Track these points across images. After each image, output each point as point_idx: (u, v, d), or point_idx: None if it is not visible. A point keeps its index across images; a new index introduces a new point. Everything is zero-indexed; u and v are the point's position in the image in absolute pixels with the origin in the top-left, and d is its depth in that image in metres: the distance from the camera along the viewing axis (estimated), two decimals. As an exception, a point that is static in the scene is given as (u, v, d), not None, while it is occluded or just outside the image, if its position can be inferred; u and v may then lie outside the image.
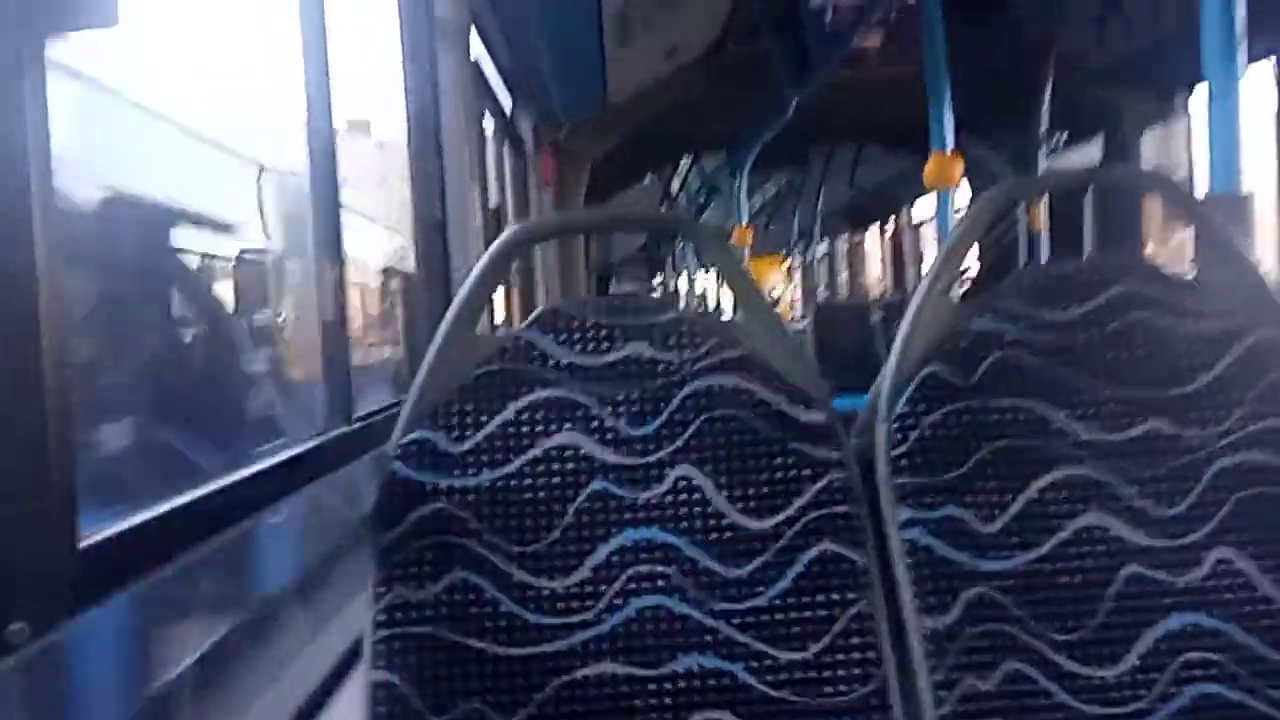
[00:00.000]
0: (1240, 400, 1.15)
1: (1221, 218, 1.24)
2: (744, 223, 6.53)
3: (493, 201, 3.03)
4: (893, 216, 9.27)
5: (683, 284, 14.98)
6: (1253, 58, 1.85)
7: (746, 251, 7.30)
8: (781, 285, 6.93)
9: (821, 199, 8.32)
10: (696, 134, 5.83)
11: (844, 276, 11.69)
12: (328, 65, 1.57)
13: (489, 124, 3.32)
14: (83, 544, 0.81)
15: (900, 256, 9.06)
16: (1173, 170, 3.97)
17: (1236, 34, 1.79)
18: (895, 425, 1.16)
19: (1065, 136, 4.33)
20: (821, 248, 10.96)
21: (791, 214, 9.60)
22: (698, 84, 4.65)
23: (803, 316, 6.86)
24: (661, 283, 15.09)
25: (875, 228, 10.49)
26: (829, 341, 5.87)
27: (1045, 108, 4.27)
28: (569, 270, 4.69)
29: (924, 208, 8.27)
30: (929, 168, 3.64)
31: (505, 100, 3.67)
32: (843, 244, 11.26)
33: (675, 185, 7.66)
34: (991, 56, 4.21)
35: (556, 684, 1.08)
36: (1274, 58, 3.02)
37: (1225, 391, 1.16)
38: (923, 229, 8.71)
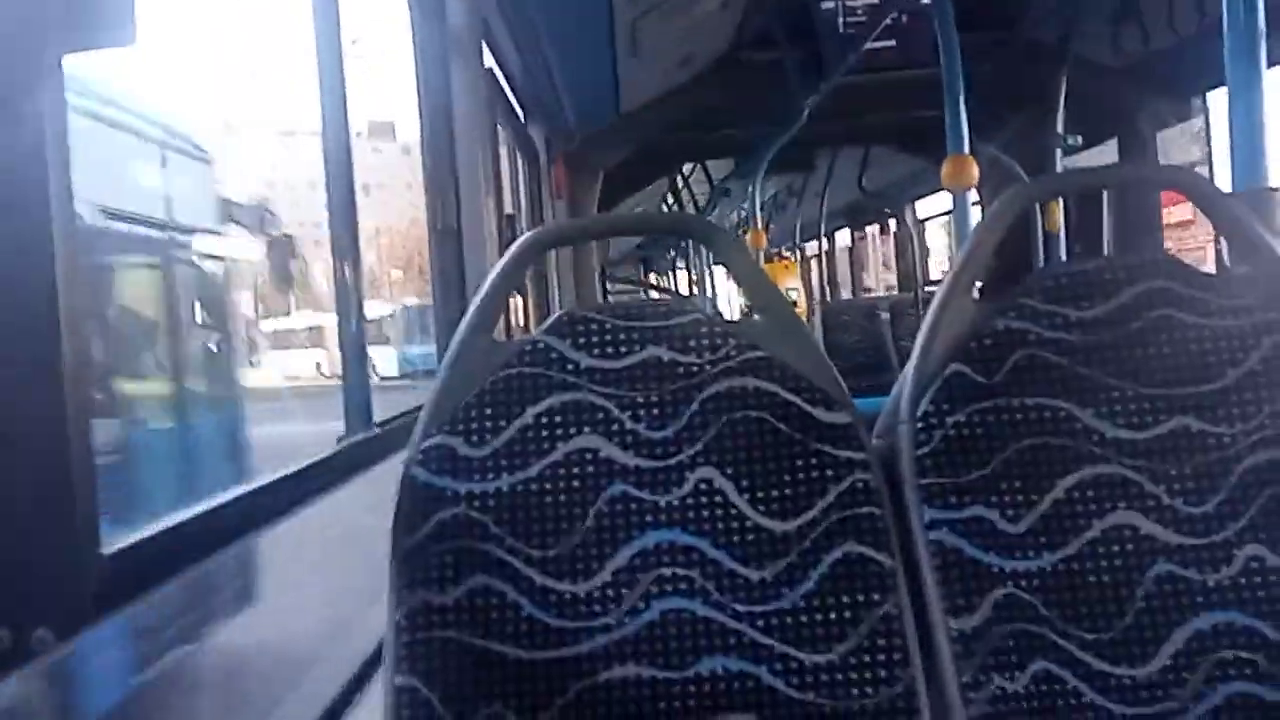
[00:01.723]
0: (1269, 397, 1.14)
1: (1246, 213, 1.22)
2: (759, 225, 6.53)
3: (507, 209, 3.04)
4: (893, 216, 9.27)
5: (682, 283, 15.05)
6: (1273, 61, 1.84)
7: (762, 254, 7.30)
8: (797, 287, 6.92)
9: (824, 198, 8.32)
10: (708, 141, 5.84)
11: (844, 276, 11.68)
12: (343, 69, 1.57)
13: (502, 133, 3.34)
14: (106, 551, 0.81)
15: (904, 256, 9.06)
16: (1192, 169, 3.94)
17: (1258, 29, 1.78)
18: (919, 425, 1.15)
19: (1081, 138, 4.31)
20: (811, 247, 10.96)
21: (794, 214, 9.58)
22: (711, 92, 4.65)
23: (807, 315, 6.86)
24: (655, 284, 15.17)
25: (875, 227, 10.50)
26: (838, 341, 5.85)
27: (1061, 109, 4.25)
28: (583, 276, 4.70)
29: (927, 207, 8.27)
30: (946, 169, 3.63)
31: (518, 110, 3.68)
32: (842, 243, 11.25)
33: (680, 188, 7.69)
34: (1006, 59, 4.20)
35: (579, 687, 1.07)
36: None
37: (1254, 388, 1.14)
38: (926, 227, 8.71)
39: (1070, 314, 1.18)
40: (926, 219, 8.65)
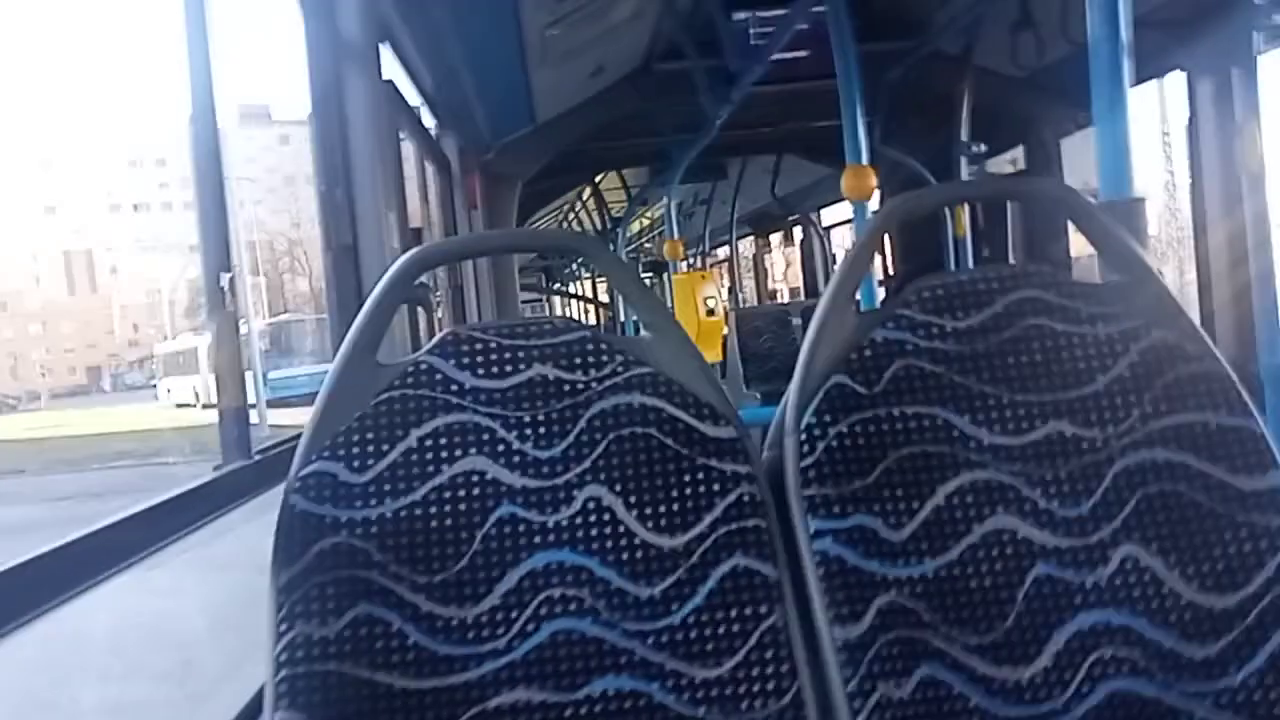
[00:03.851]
0: (1139, 400, 1.17)
1: (1117, 223, 1.26)
2: (675, 235, 6.57)
3: (415, 223, 2.99)
4: (800, 223, 9.42)
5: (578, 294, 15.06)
6: (1147, 76, 1.93)
7: (683, 265, 7.34)
8: (717, 297, 6.98)
9: (734, 206, 8.42)
10: (624, 149, 5.86)
11: (748, 283, 11.82)
12: (209, 54, 1.51)
13: (411, 145, 3.28)
14: None
15: (811, 262, 9.21)
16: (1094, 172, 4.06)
17: (1123, 49, 1.86)
18: (803, 436, 1.15)
19: (986, 146, 4.43)
20: (717, 254, 11.09)
21: (700, 222, 9.68)
22: (625, 101, 4.67)
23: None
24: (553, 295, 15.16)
25: (779, 235, 10.65)
26: (750, 347, 5.90)
27: (964, 118, 4.36)
28: (504, 288, 4.66)
29: (834, 213, 8.44)
30: (845, 180, 3.70)
31: (429, 121, 3.63)
32: (744, 251, 11.39)
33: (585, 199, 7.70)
34: (911, 69, 4.30)
35: (470, 715, 1.06)
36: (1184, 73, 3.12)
37: (1124, 392, 1.18)
38: (833, 234, 8.87)
39: (946, 324, 1.20)
40: (832, 225, 8.81)
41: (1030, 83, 4.10)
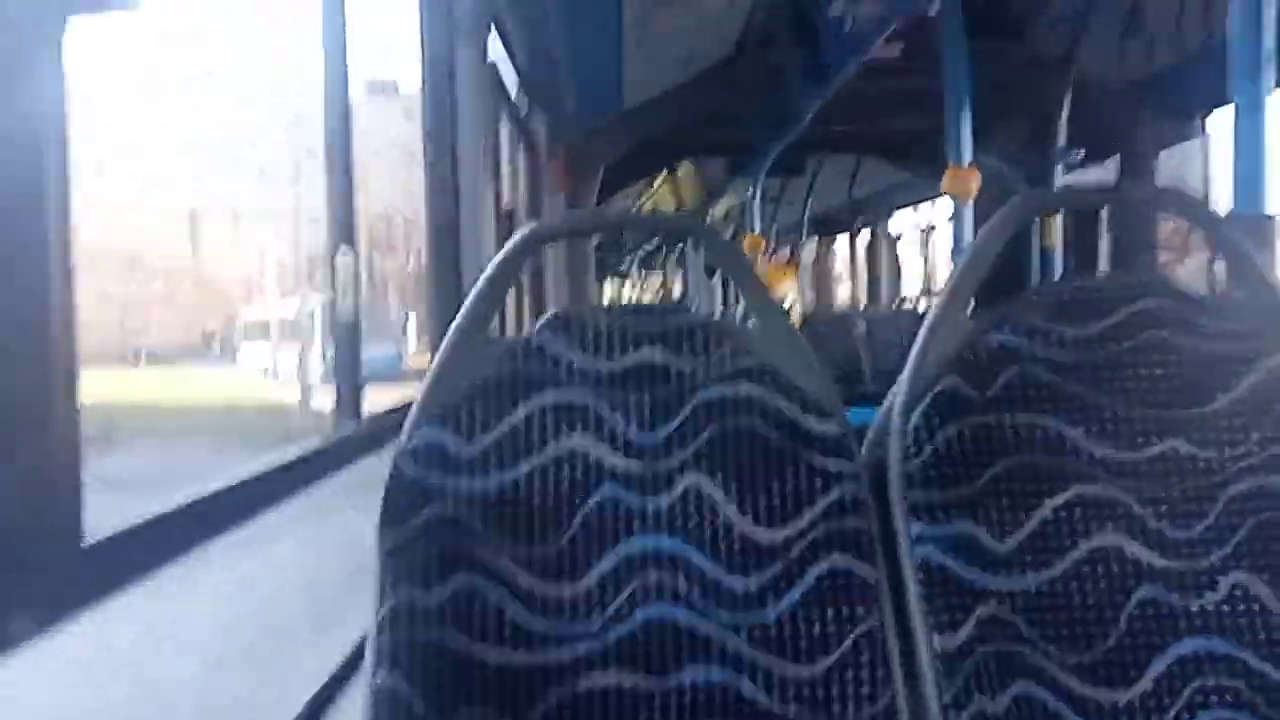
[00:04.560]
0: (1259, 423, 1.13)
1: (1244, 238, 1.22)
2: (757, 230, 6.52)
3: (506, 203, 3.02)
4: (866, 228, 9.28)
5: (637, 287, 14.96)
6: None
7: (760, 258, 7.30)
8: (794, 294, 6.93)
9: (806, 206, 8.30)
10: (706, 139, 5.83)
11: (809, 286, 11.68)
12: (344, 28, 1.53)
13: (504, 127, 3.32)
14: (87, 543, 0.80)
15: (876, 268, 9.07)
16: (1190, 191, 3.95)
17: (1265, 52, 1.78)
18: (909, 438, 1.14)
19: (1083, 154, 4.32)
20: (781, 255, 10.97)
21: (769, 220, 9.60)
22: (713, 91, 4.65)
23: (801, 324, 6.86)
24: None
25: (845, 238, 10.49)
26: (817, 351, 5.84)
27: (1063, 125, 4.25)
28: (579, 274, 4.69)
29: (900, 221, 8.30)
30: (947, 180, 3.63)
31: (521, 103, 3.67)
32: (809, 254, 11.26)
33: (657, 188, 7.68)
34: (1010, 70, 4.20)
35: (560, 693, 1.07)
36: None
37: (1244, 414, 1.14)
38: (900, 241, 8.73)
39: (1065, 331, 1.18)
40: (898, 236, 8.68)
41: (1132, 91, 3.98)
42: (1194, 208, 1.25)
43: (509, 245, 1.18)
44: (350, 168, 1.57)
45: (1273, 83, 1.80)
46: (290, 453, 1.28)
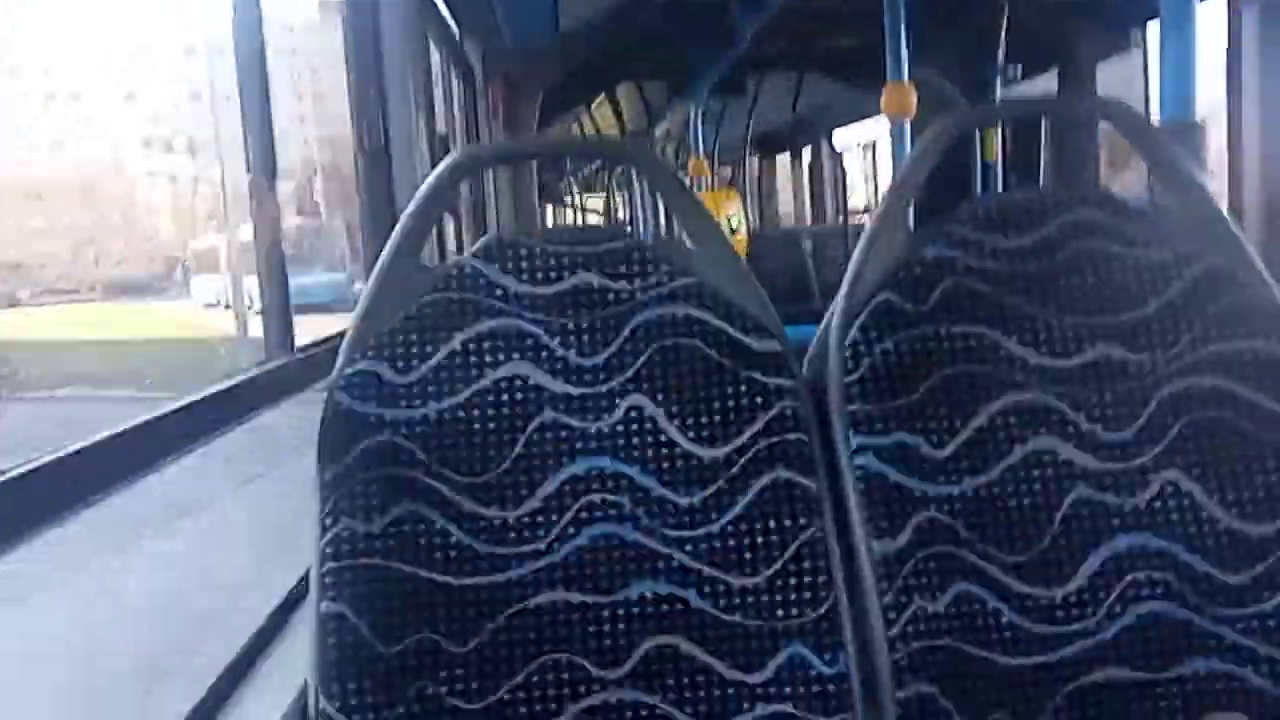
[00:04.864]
0: (1190, 326, 1.16)
1: (1174, 146, 1.23)
2: (701, 153, 6.47)
3: (440, 129, 2.95)
4: (807, 146, 9.22)
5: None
6: None
7: (705, 181, 7.24)
8: (739, 214, 6.89)
9: (749, 126, 8.22)
10: (646, 62, 5.74)
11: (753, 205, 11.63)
12: None
13: (436, 51, 3.22)
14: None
15: (819, 186, 9.06)
16: (1130, 103, 3.97)
17: None
18: (848, 353, 1.15)
19: (1021, 68, 4.32)
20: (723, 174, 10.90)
21: (710, 140, 9.50)
22: (651, 12, 4.55)
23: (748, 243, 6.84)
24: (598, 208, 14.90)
25: (785, 157, 10.44)
26: (763, 269, 5.87)
27: (1001, 38, 4.24)
28: (522, 199, 4.62)
29: (843, 137, 8.25)
30: (886, 97, 3.61)
31: (453, 27, 3.56)
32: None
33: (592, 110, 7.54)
34: None
35: (508, 613, 1.08)
36: None
37: (1175, 317, 1.16)
38: (844, 158, 8.71)
39: (999, 243, 1.19)
40: (841, 153, 8.66)
41: (1069, 3, 3.98)
42: (1122, 117, 1.25)
43: (436, 171, 1.15)
44: (267, 95, 1.51)
45: None
46: (219, 385, 1.25)
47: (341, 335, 1.14)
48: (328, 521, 1.07)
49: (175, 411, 1.15)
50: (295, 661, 1.12)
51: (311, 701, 1.04)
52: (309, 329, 1.59)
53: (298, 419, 1.33)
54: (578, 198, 15.87)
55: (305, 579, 1.09)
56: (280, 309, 1.43)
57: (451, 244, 2.76)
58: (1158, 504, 1.13)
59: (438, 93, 3.15)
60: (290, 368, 1.42)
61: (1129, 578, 1.11)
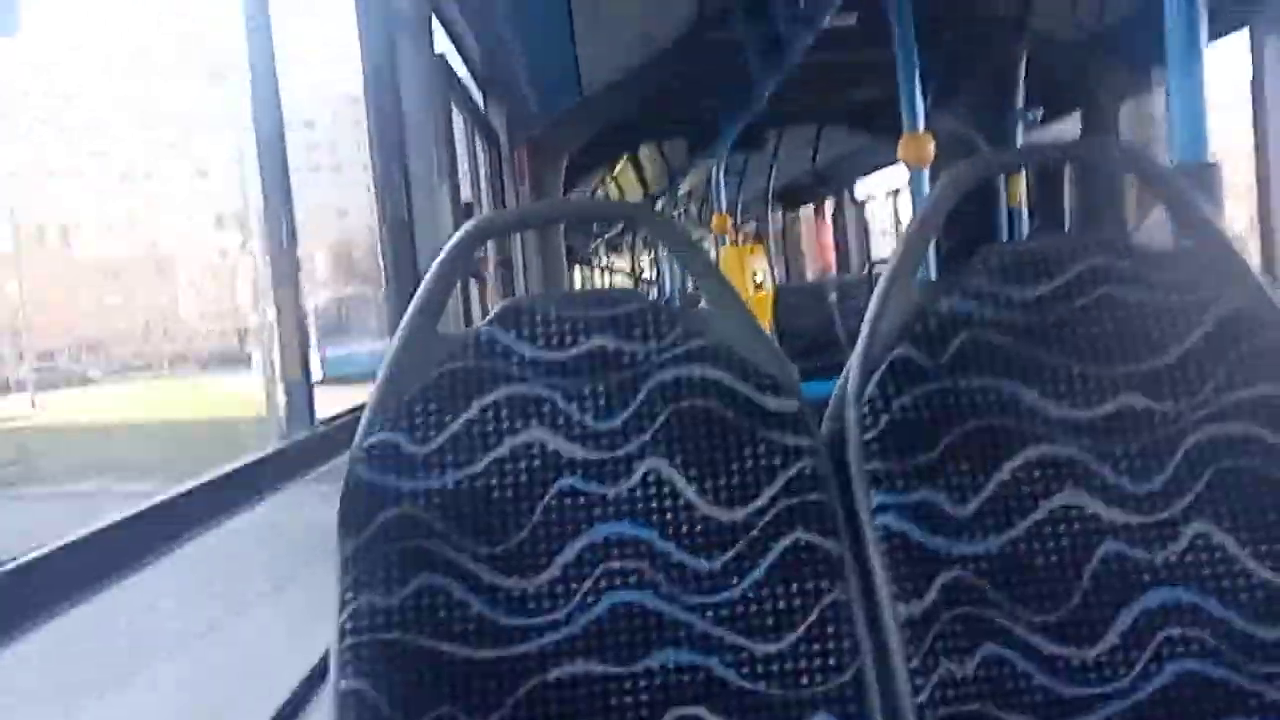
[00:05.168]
0: (1213, 372, 1.14)
1: (1190, 188, 1.22)
2: (724, 209, 6.52)
3: (465, 197, 3.00)
4: (831, 196, 9.25)
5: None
6: (1214, 34, 1.85)
7: (728, 239, 7.28)
8: (764, 269, 6.91)
9: (770, 179, 8.28)
10: (668, 120, 5.82)
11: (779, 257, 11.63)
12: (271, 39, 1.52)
13: (461, 120, 3.29)
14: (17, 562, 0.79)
15: (844, 237, 9.07)
16: (1154, 141, 3.95)
17: (1198, 6, 1.79)
18: (865, 409, 1.14)
19: (1042, 112, 4.32)
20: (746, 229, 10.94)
21: (733, 195, 9.58)
22: (672, 72, 4.63)
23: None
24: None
25: (809, 208, 10.47)
26: (789, 324, 5.86)
27: (1020, 83, 4.26)
28: (550, 260, 4.67)
29: (867, 186, 8.28)
30: (903, 147, 3.63)
31: (476, 95, 3.63)
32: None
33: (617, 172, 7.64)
34: (966, 33, 4.20)
35: (529, 685, 1.06)
36: (1247, 29, 3.02)
37: (1198, 363, 1.14)
38: (868, 207, 8.71)
39: (1014, 294, 1.17)
40: (864, 202, 8.67)
41: (1088, 46, 3.99)
42: (1137, 161, 1.24)
43: (452, 241, 1.17)
44: (286, 172, 1.55)
45: (1207, 35, 1.81)
46: (238, 462, 1.26)
47: (363, 407, 1.15)
48: (348, 596, 1.06)
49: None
50: None
51: None
52: (350, 399, 1.59)
53: (319, 495, 1.30)
54: (604, 259, 16.03)
55: (325, 657, 1.08)
56: (300, 384, 1.45)
57: (477, 310, 2.79)
58: (1189, 557, 1.09)
59: (463, 158, 3.21)
60: (309, 443, 1.43)
61: (1162, 635, 1.08)
